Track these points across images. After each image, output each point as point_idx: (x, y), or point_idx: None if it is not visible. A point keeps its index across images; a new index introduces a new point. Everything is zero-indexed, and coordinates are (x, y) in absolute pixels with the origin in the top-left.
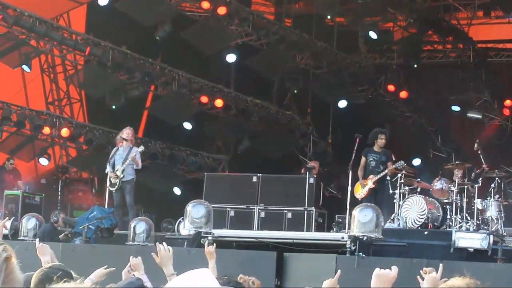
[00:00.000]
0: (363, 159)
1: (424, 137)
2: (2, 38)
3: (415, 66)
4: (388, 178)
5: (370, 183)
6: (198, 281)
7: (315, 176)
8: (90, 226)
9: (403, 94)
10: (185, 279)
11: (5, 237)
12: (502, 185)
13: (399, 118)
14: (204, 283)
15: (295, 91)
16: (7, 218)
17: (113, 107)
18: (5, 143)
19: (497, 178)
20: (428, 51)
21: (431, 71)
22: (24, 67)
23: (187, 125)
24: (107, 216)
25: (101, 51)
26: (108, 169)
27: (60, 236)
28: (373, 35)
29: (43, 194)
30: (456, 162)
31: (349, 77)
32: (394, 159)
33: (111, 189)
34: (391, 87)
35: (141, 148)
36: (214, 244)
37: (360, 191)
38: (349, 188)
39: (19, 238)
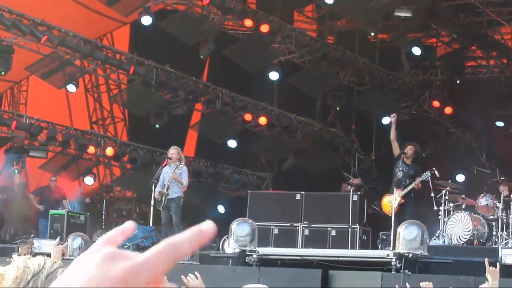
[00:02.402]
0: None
1: (468, 153)
2: (47, 58)
3: (458, 81)
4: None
5: (398, 197)
6: None
7: (359, 193)
8: (127, 244)
9: (448, 110)
10: None
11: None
12: None
13: (443, 134)
14: None
15: (337, 108)
16: (65, 242)
17: (157, 126)
18: (51, 163)
19: None
20: (472, 67)
21: (474, 86)
22: (70, 86)
23: (232, 143)
24: (148, 235)
25: (144, 70)
26: (158, 188)
27: None
28: (416, 51)
29: (88, 213)
30: (502, 178)
31: (393, 94)
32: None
33: (158, 207)
34: (436, 103)
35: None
36: None
37: (390, 208)
38: (394, 205)
39: (64, 258)
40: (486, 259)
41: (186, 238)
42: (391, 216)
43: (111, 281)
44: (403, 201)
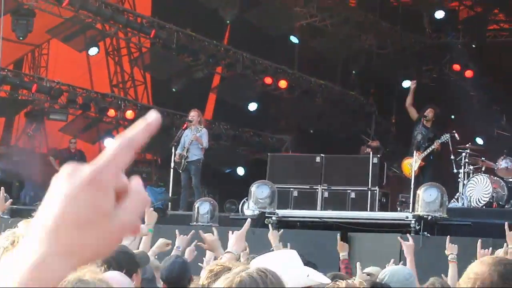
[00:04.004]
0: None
1: (488, 116)
2: (69, 22)
3: (480, 45)
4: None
5: (418, 160)
6: (285, 260)
7: (378, 156)
8: None
9: (469, 73)
10: (272, 257)
11: None
12: None
13: (464, 97)
14: (290, 263)
15: (353, 72)
16: None
17: (174, 89)
18: (71, 125)
19: None
20: (494, 30)
21: (496, 50)
22: (91, 49)
23: (252, 106)
24: (159, 197)
25: (165, 33)
26: (178, 150)
27: None
28: (438, 14)
29: None
30: None
31: (414, 57)
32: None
33: (178, 170)
34: (456, 66)
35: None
36: (281, 230)
37: (410, 170)
38: (413, 167)
39: None
40: (506, 223)
41: (136, 131)
42: (411, 179)
43: (81, 184)
44: (423, 163)
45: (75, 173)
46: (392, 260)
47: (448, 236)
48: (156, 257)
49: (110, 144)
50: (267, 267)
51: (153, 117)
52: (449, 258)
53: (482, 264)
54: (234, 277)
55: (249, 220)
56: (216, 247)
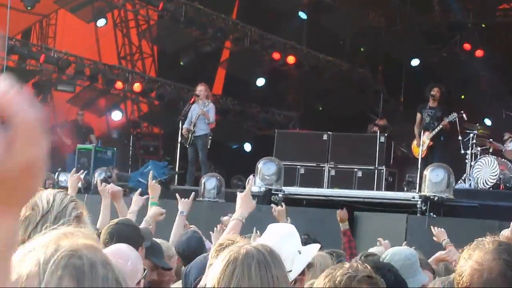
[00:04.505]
0: (418, 115)
1: (497, 97)
2: None
3: (490, 25)
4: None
5: (426, 140)
6: (284, 234)
7: (386, 135)
8: (141, 180)
9: (479, 53)
10: (272, 232)
11: (78, 190)
12: None
13: (473, 77)
14: (288, 237)
15: (362, 49)
16: (82, 170)
17: (181, 63)
18: (78, 97)
19: None
20: (504, 10)
21: (506, 30)
22: (99, 21)
23: (260, 81)
24: (162, 170)
25: (174, 6)
26: (185, 124)
27: None
28: None
29: (115, 148)
30: None
31: (423, 36)
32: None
33: (185, 144)
34: (466, 46)
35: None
36: (284, 205)
37: (419, 150)
38: (421, 147)
39: (91, 192)
40: None
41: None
42: (419, 159)
43: None
44: (431, 143)
45: None
46: (404, 242)
47: (431, 226)
48: (151, 226)
49: None
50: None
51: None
52: (443, 244)
53: (483, 251)
54: (238, 250)
55: (251, 177)
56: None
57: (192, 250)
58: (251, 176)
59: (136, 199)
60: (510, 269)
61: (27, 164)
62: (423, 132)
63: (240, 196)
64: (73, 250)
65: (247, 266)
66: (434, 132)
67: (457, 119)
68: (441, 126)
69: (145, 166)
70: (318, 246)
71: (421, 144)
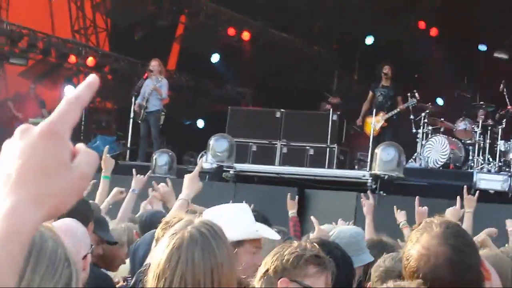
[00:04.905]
0: (370, 93)
1: (450, 77)
2: None
3: (445, 4)
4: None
5: (381, 120)
6: (236, 212)
7: (338, 113)
8: None
9: (433, 32)
10: (224, 209)
11: None
12: None
13: (427, 56)
14: (241, 217)
15: (317, 26)
16: None
17: (135, 38)
18: (31, 70)
19: None
20: None
21: (460, 8)
22: None
23: (214, 57)
24: (110, 144)
25: None
26: (138, 100)
27: None
28: None
29: None
30: (481, 102)
31: (378, 14)
32: (412, 95)
33: (137, 120)
34: (421, 24)
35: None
36: (297, 197)
37: (372, 128)
38: (372, 125)
39: None
40: (465, 186)
41: (81, 90)
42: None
43: (39, 135)
44: (385, 124)
45: (28, 130)
46: (339, 220)
47: (395, 206)
48: (111, 206)
49: (61, 103)
50: (214, 219)
51: (92, 77)
52: (400, 225)
53: (430, 235)
54: (182, 232)
55: (201, 160)
56: (170, 199)
57: (154, 219)
58: (202, 158)
59: (114, 193)
60: (457, 254)
61: (82, 178)
62: (378, 112)
63: (187, 176)
64: None
65: (191, 254)
66: (390, 114)
67: (415, 104)
68: (398, 110)
69: (93, 141)
70: (273, 233)
71: (373, 123)
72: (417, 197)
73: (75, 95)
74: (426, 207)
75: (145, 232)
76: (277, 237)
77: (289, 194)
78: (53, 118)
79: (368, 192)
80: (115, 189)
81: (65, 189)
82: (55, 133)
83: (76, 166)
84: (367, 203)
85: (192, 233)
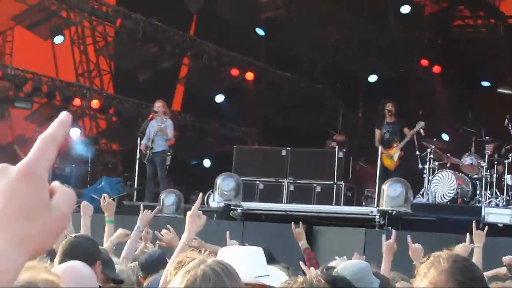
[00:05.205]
0: (377, 131)
1: (454, 113)
2: (34, 9)
3: (445, 41)
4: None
5: (397, 151)
6: (247, 256)
7: (344, 150)
8: (94, 196)
9: (436, 69)
10: (237, 251)
11: None
12: None
13: (430, 93)
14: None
15: (319, 65)
16: None
17: (139, 80)
18: (36, 114)
19: None
20: (459, 26)
21: (462, 46)
22: (56, 38)
23: (219, 98)
24: (115, 186)
25: (131, 22)
26: (143, 141)
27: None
28: (404, 9)
29: (73, 165)
30: (486, 138)
31: (380, 51)
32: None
33: (143, 161)
34: (424, 62)
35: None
36: (301, 224)
37: (391, 162)
38: (379, 162)
39: None
40: (474, 221)
41: (54, 128)
42: (391, 171)
43: (18, 176)
44: (402, 153)
45: (6, 170)
46: (355, 253)
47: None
48: (115, 248)
49: (35, 143)
50: (227, 259)
51: (64, 115)
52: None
53: (437, 270)
54: (196, 270)
55: (200, 195)
56: (175, 243)
57: (155, 259)
58: (200, 194)
59: (118, 234)
60: None
61: (62, 219)
62: (388, 147)
63: (187, 214)
64: (29, 282)
65: None
66: (403, 143)
67: (423, 127)
68: (409, 136)
69: (98, 182)
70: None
71: (391, 156)
72: (408, 235)
73: (49, 133)
74: (419, 244)
75: (147, 273)
76: (278, 283)
77: (292, 223)
78: (30, 158)
79: (393, 230)
80: (120, 230)
81: (46, 230)
82: (33, 173)
83: (55, 205)
84: (386, 244)
85: (205, 271)
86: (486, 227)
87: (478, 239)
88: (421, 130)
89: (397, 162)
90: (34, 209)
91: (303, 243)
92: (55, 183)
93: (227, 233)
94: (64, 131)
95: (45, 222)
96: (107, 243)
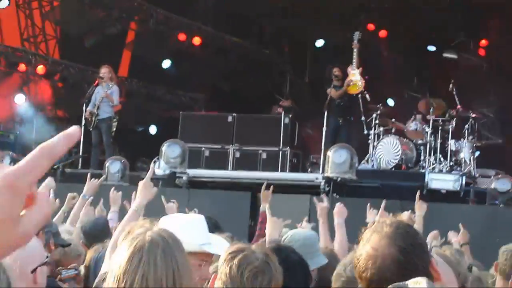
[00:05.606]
0: (329, 90)
1: (400, 78)
2: None
3: (392, 6)
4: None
5: (354, 72)
6: (188, 223)
7: (290, 116)
8: None
9: (383, 33)
10: (177, 218)
11: None
12: (476, 126)
13: (376, 58)
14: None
15: (267, 30)
16: None
17: (86, 45)
18: None
19: (471, 119)
20: None
21: (409, 11)
22: (2, 2)
23: (166, 63)
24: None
25: None
26: (89, 107)
27: None
28: None
29: (18, 132)
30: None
31: (327, 16)
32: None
33: (88, 127)
34: (370, 26)
35: (115, 87)
36: (271, 187)
37: (359, 84)
38: (324, 128)
39: None
40: (418, 191)
41: (57, 141)
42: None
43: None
44: (362, 69)
45: None
46: (305, 219)
47: (368, 204)
48: (66, 214)
49: (32, 152)
50: (168, 228)
51: (73, 129)
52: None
53: (379, 236)
54: (143, 237)
55: (152, 165)
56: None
57: (100, 229)
58: (152, 164)
59: (67, 200)
60: (404, 255)
61: (24, 237)
62: (339, 114)
63: (140, 183)
64: None
65: (153, 255)
66: (354, 62)
67: (367, 95)
68: (355, 50)
69: None
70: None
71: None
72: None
73: (49, 146)
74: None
75: (90, 241)
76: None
77: (265, 182)
78: (19, 170)
79: (323, 195)
80: (68, 195)
81: (5, 243)
82: (16, 187)
83: (23, 224)
84: (321, 206)
85: (153, 237)
86: (418, 191)
87: (419, 208)
88: (367, 96)
89: (362, 82)
90: (1, 221)
91: (264, 206)
92: (41, 195)
93: (162, 196)
94: (67, 146)
95: (7, 236)
96: (59, 213)
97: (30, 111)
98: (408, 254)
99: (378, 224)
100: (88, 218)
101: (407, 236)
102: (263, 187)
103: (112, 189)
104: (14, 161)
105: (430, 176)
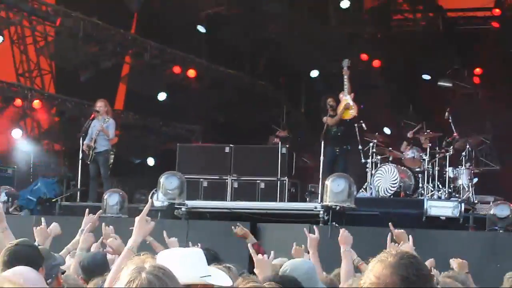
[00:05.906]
0: (325, 119)
1: (395, 106)
2: None
3: (386, 35)
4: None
5: (347, 98)
6: (187, 256)
7: (287, 146)
8: (30, 198)
9: (376, 63)
10: (175, 253)
11: None
12: (473, 153)
13: (371, 88)
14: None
15: (261, 61)
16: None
17: (81, 80)
18: None
19: (468, 146)
20: (398, 20)
21: (402, 40)
22: None
23: (161, 96)
24: (51, 187)
25: (72, 21)
26: (86, 141)
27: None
28: (344, 4)
29: (15, 166)
30: (428, 130)
31: (321, 47)
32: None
33: (86, 161)
34: (364, 56)
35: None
36: (239, 224)
37: (352, 110)
38: (321, 158)
39: None
40: (390, 223)
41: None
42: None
43: None
44: (353, 95)
45: None
46: (294, 244)
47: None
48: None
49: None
50: (166, 263)
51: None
52: (355, 263)
53: (383, 265)
54: (139, 279)
55: (149, 202)
56: (122, 250)
57: (98, 264)
58: (149, 198)
59: (52, 228)
60: (406, 285)
61: None
62: (335, 144)
63: (136, 219)
64: None
65: None
66: (346, 88)
67: (363, 125)
68: (346, 77)
69: (34, 183)
70: (222, 279)
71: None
72: (390, 223)
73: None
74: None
75: (88, 276)
76: (227, 283)
77: (232, 227)
78: None
79: (315, 226)
80: (54, 225)
81: None
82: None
83: None
84: (311, 238)
85: (149, 278)
86: (390, 223)
87: (401, 238)
88: (363, 125)
89: (355, 107)
90: None
91: (249, 240)
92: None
93: (164, 232)
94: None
95: None
96: (63, 251)
97: (27, 145)
98: (411, 284)
99: (384, 253)
100: (87, 251)
101: (411, 266)
102: (238, 230)
103: (103, 224)
104: (10, 196)
105: (429, 203)
